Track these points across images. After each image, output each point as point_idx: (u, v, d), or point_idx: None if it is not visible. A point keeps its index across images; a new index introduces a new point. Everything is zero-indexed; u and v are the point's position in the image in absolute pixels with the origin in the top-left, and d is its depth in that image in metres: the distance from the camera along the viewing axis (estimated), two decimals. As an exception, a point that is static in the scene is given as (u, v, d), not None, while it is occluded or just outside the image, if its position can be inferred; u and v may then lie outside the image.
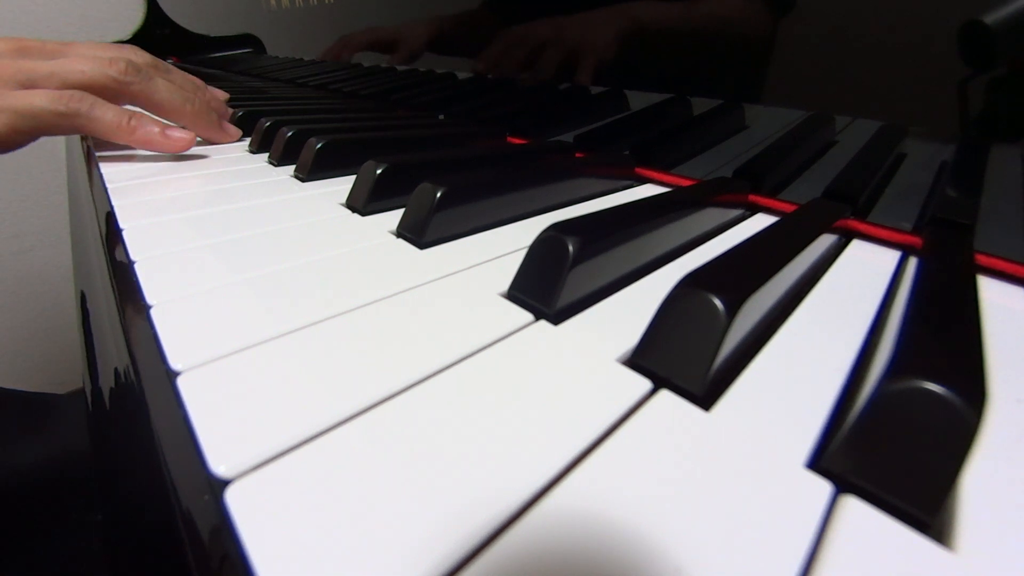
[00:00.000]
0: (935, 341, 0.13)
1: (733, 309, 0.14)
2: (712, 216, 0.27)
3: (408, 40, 0.58)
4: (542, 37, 0.41)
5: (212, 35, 1.22)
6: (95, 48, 0.41)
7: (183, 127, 0.42)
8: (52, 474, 0.47)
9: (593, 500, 0.11)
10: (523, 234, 0.26)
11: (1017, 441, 0.13)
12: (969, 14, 0.22)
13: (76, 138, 0.53)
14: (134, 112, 0.39)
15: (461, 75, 0.53)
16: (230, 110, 0.50)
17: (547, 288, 0.18)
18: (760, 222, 0.29)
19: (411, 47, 0.58)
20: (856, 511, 0.11)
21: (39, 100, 0.34)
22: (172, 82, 0.43)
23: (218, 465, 0.11)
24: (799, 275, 0.20)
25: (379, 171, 0.29)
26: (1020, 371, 0.16)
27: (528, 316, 0.18)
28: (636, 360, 0.15)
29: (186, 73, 0.47)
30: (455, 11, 0.49)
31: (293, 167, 0.37)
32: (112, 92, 0.39)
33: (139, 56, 0.42)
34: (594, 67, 0.38)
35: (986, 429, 0.13)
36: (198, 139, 0.42)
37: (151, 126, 0.38)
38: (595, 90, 0.40)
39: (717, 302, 0.14)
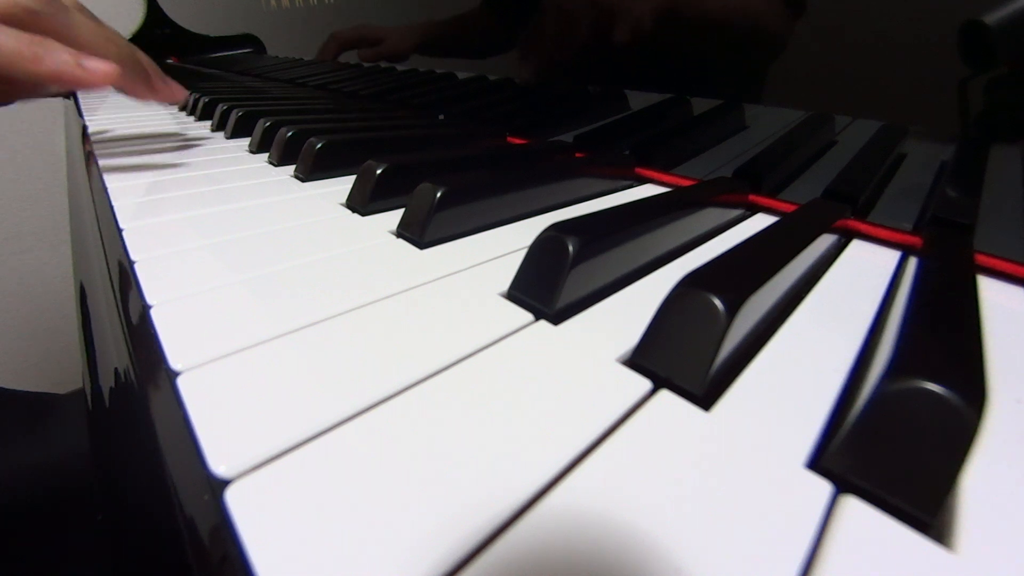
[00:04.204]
0: (935, 341, 0.13)
1: (733, 309, 0.14)
2: (712, 216, 0.27)
3: (394, 39, 0.57)
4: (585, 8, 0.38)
5: (212, 35, 1.22)
6: None
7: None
8: (52, 474, 0.47)
9: (593, 500, 0.11)
10: (523, 234, 0.26)
11: (1017, 441, 0.13)
12: (969, 14, 0.22)
13: (76, 138, 0.53)
14: (43, 39, 0.32)
15: (461, 75, 0.53)
16: (164, 75, 0.44)
17: (547, 288, 0.18)
18: (760, 222, 0.29)
19: (396, 47, 0.56)
20: (856, 511, 0.11)
21: None
22: (95, 23, 0.37)
23: (218, 465, 0.11)
24: (799, 275, 0.20)
25: (379, 171, 0.29)
26: (1020, 371, 0.16)
27: (528, 316, 0.18)
28: (636, 360, 0.15)
29: (110, 28, 0.41)
30: (453, 11, 0.49)
31: (293, 167, 0.37)
32: (19, 25, 0.32)
33: None
34: (628, 34, 0.35)
35: (986, 429, 0.13)
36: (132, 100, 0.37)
37: (62, 54, 0.32)
38: (595, 90, 0.40)
39: (717, 302, 0.14)
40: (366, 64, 0.66)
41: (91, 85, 0.33)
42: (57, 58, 0.32)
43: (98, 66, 0.33)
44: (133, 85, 0.39)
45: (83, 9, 0.39)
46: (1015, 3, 0.21)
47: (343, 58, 0.71)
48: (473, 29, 0.48)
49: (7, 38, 0.31)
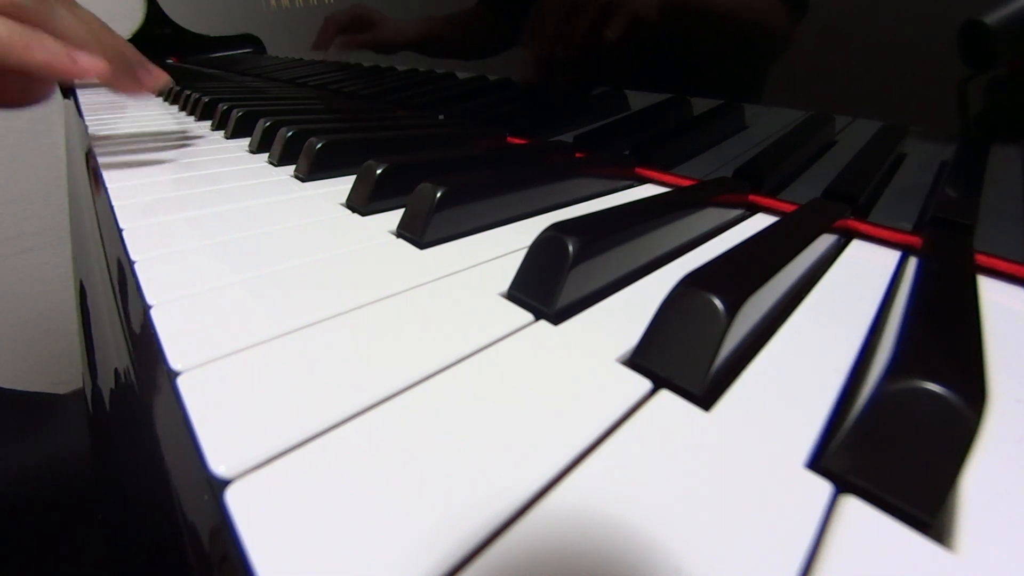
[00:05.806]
0: (935, 341, 0.13)
1: (733, 309, 0.14)
2: (712, 216, 0.27)
3: (388, 28, 0.56)
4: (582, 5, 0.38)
5: (212, 35, 1.22)
6: None
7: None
8: (52, 474, 0.47)
9: (593, 500, 0.11)
10: (523, 234, 0.26)
11: (1017, 441, 0.13)
12: (969, 14, 0.22)
13: (76, 138, 0.53)
14: (33, 29, 0.32)
15: (461, 75, 0.53)
16: (146, 61, 0.44)
17: (547, 288, 0.18)
18: (760, 222, 0.29)
19: (388, 36, 0.56)
20: (856, 511, 0.11)
21: None
22: (78, 18, 0.37)
23: (218, 465, 0.11)
24: (799, 275, 0.20)
25: (379, 171, 0.29)
26: (1020, 371, 0.16)
27: (528, 316, 0.18)
28: (636, 360, 0.15)
29: (94, 15, 0.41)
30: (452, 8, 0.49)
31: (293, 167, 0.37)
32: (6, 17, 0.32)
33: None
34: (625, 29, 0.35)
35: (986, 429, 0.13)
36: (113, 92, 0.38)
37: (52, 44, 0.32)
38: (595, 90, 0.40)
39: (717, 302, 0.14)
40: (366, 64, 0.66)
41: (80, 76, 0.33)
42: (47, 47, 0.32)
43: (87, 59, 0.33)
44: (119, 80, 0.39)
45: (71, 3, 0.38)
46: (1015, 3, 0.21)
47: (340, 58, 0.71)
48: (471, 28, 0.48)
49: None
